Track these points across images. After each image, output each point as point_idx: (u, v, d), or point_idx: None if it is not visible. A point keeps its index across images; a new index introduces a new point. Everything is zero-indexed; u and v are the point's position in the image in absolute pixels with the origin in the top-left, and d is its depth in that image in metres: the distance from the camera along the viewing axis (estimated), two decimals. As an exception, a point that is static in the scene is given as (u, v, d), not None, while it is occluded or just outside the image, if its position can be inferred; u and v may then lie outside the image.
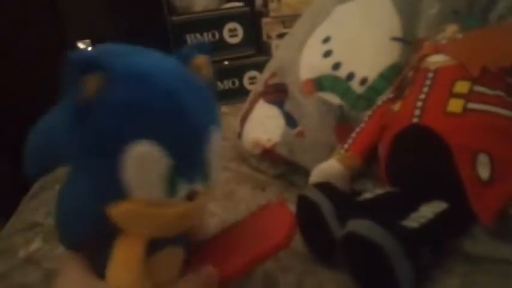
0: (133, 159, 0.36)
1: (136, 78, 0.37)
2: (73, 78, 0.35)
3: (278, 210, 0.49)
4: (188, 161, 0.39)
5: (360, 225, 0.51)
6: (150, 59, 0.41)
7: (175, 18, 1.47)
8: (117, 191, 0.37)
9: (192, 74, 0.42)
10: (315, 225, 0.57)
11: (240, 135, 0.92)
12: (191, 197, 0.40)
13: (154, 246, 0.41)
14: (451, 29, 0.65)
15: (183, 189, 0.39)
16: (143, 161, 0.36)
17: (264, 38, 1.58)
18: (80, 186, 0.39)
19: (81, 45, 1.58)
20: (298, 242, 0.62)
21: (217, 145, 0.42)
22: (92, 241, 0.42)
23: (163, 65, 0.41)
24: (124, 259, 0.40)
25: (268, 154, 0.85)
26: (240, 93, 1.50)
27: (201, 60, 0.43)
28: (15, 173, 0.70)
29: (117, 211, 0.38)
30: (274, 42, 1.53)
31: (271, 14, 1.57)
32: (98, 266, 0.42)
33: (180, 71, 0.41)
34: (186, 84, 0.40)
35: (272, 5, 1.54)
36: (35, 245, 0.72)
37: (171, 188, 0.38)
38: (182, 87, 0.39)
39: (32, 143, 0.43)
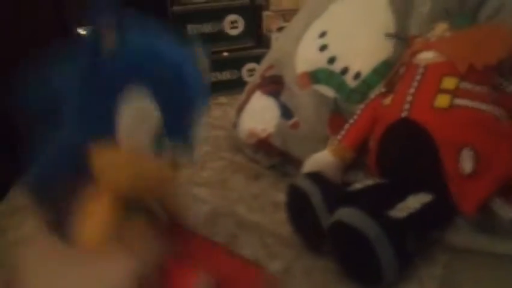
0: (131, 107, 0.41)
1: (147, 49, 0.45)
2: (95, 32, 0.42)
3: None
4: (176, 124, 0.43)
5: (347, 214, 0.53)
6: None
7: (175, 8, 1.47)
8: (107, 131, 0.41)
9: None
10: (305, 214, 0.59)
11: (235, 125, 0.94)
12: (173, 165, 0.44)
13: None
14: (441, 28, 0.67)
15: (167, 150, 0.43)
16: (138, 109, 0.41)
17: (264, 31, 1.59)
18: (70, 129, 0.42)
19: (82, 32, 1.59)
20: (287, 230, 0.64)
21: (200, 124, 0.47)
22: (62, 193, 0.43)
23: (170, 46, 0.47)
24: (93, 212, 0.42)
25: (262, 144, 0.86)
26: (238, 85, 1.51)
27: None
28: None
29: (101, 159, 0.41)
30: (274, 36, 1.53)
31: (272, 7, 1.58)
32: (63, 227, 0.43)
33: (183, 53, 0.48)
34: (189, 64, 0.47)
35: (273, -1, 1.56)
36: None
37: (157, 144, 0.42)
38: (187, 64, 0.46)
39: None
